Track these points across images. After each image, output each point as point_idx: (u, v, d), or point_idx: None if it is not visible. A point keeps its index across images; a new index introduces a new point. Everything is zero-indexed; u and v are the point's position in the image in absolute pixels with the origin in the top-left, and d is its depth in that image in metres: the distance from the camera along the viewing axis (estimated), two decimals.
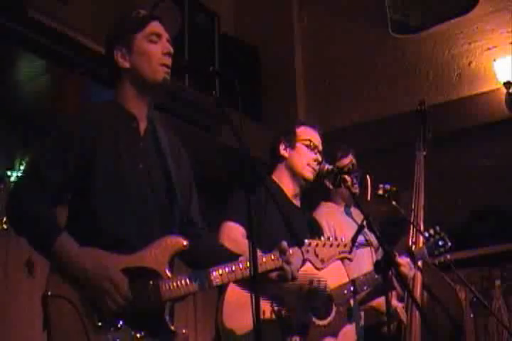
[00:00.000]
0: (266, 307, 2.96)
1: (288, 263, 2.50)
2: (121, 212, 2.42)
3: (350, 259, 2.73)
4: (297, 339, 2.98)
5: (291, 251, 2.53)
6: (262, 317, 2.86)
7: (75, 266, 2.30)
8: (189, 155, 2.72)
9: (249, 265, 2.31)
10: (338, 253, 2.62)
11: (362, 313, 3.49)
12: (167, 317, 2.35)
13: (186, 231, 2.56)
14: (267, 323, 2.93)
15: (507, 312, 6.07)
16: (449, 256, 3.60)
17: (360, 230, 2.94)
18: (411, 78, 6.18)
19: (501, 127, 5.64)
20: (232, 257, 2.54)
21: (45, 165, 2.41)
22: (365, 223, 3.03)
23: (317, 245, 2.59)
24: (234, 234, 3.06)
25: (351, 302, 3.22)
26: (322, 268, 2.62)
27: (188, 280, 2.39)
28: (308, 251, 2.56)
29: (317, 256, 2.58)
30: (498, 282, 6.21)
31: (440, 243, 3.59)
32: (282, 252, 2.51)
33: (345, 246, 2.65)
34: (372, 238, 3.65)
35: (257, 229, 3.04)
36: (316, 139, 3.49)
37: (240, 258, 2.52)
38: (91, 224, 2.39)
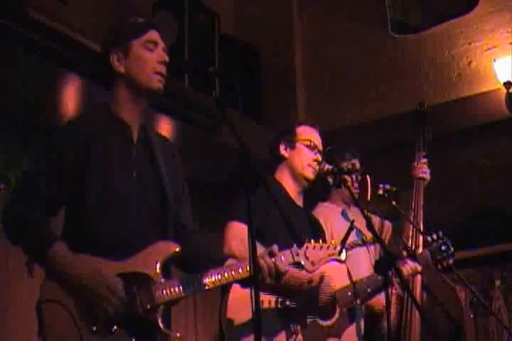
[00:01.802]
0: (270, 297, 2.96)
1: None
2: (115, 219, 2.43)
3: (340, 261, 2.74)
4: (301, 338, 2.99)
5: (282, 256, 2.54)
6: (267, 305, 2.91)
7: (70, 273, 2.31)
8: (189, 155, 2.72)
9: (249, 265, 2.32)
10: (328, 256, 2.64)
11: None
12: (160, 321, 2.35)
13: (177, 234, 2.57)
14: (270, 318, 2.94)
15: (507, 312, 6.07)
16: (452, 261, 3.60)
17: (349, 232, 2.96)
18: (411, 78, 6.17)
19: (501, 127, 5.63)
20: (222, 261, 2.56)
21: (39, 177, 2.43)
22: (354, 224, 3.05)
23: (307, 248, 2.60)
24: (239, 234, 3.06)
25: (354, 303, 3.23)
26: (313, 271, 2.63)
27: (180, 285, 2.40)
28: (298, 254, 2.57)
29: (307, 258, 2.59)
30: (498, 282, 6.21)
31: (443, 248, 3.60)
32: (271, 254, 2.52)
33: (335, 247, 2.66)
34: (368, 235, 3.67)
35: (261, 229, 3.05)
36: (316, 139, 3.49)
37: (233, 261, 2.53)
38: (86, 232, 2.41)
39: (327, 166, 3.40)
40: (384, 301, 3.05)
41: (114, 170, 2.48)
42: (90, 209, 2.42)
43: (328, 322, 3.10)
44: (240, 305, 2.92)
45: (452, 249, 3.60)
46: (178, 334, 2.37)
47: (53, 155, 2.46)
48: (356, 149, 3.88)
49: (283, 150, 3.47)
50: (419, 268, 3.51)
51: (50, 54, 4.63)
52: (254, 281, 2.27)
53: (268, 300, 2.97)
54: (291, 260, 2.55)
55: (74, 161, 2.45)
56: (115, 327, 2.30)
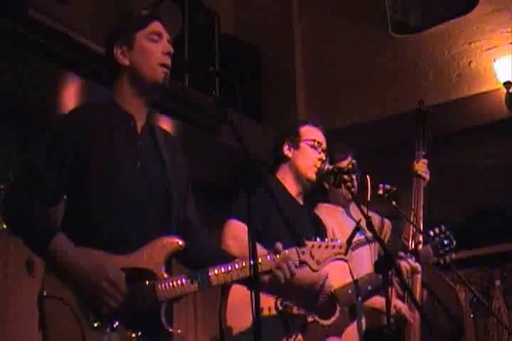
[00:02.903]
0: (270, 304, 2.96)
1: (279, 267, 2.50)
2: (118, 211, 2.41)
3: (345, 261, 2.73)
4: (301, 339, 2.99)
5: (287, 253, 2.54)
6: (267, 313, 2.90)
7: (72, 266, 2.29)
8: (189, 155, 2.72)
9: (249, 265, 2.32)
10: (333, 255, 2.63)
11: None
12: (163, 318, 2.35)
13: (182, 230, 2.56)
14: (270, 319, 2.94)
15: (507, 312, 6.07)
16: (454, 255, 3.59)
17: (355, 232, 2.95)
18: (411, 78, 6.18)
19: (501, 127, 5.64)
20: (227, 258, 2.55)
21: (40, 166, 2.41)
22: (360, 224, 3.04)
23: (313, 246, 2.59)
24: (238, 233, 3.06)
25: (355, 301, 3.22)
26: (318, 270, 2.62)
27: (184, 281, 2.39)
28: (304, 253, 2.56)
29: (313, 257, 2.58)
30: (498, 282, 6.22)
31: (445, 242, 3.59)
32: (276, 252, 2.52)
33: (340, 247, 2.65)
34: (369, 235, 3.67)
35: (262, 228, 3.05)
36: (320, 138, 3.49)
37: (237, 259, 2.53)
38: (88, 224, 2.39)
39: (327, 166, 3.40)
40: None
41: (118, 159, 2.46)
42: (91, 203, 2.40)
43: (329, 321, 3.10)
44: (239, 307, 2.92)
45: (455, 242, 3.59)
46: (179, 331, 2.37)
47: (54, 144, 2.44)
48: (346, 148, 3.86)
49: (287, 151, 3.47)
50: (419, 268, 3.50)
51: (50, 54, 4.63)
52: (254, 282, 2.27)
53: (268, 307, 2.96)
54: (297, 259, 2.55)
55: (75, 150, 2.42)
56: (117, 323, 2.29)
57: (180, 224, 2.58)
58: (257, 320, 2.18)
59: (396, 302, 3.50)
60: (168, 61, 2.54)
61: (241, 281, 2.50)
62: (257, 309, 2.18)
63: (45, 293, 2.31)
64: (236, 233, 3.07)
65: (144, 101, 2.58)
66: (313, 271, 2.61)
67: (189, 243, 2.46)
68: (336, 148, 3.76)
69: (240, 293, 2.90)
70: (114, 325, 2.29)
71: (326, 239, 2.65)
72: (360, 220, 3.08)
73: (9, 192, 2.46)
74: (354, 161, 3.79)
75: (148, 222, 2.46)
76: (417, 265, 3.49)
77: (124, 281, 2.31)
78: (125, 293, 2.29)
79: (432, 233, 3.62)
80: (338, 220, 3.70)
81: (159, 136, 2.61)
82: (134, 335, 2.31)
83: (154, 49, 2.54)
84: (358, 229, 2.95)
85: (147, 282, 2.35)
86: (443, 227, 3.63)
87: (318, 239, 2.62)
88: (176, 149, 2.68)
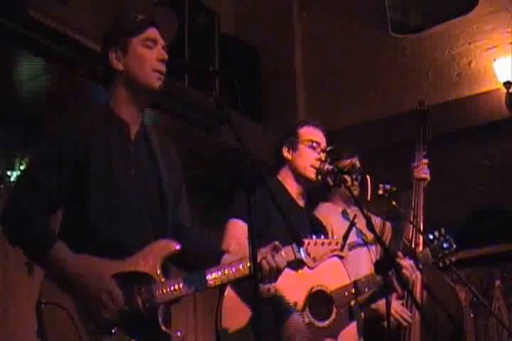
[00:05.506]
0: None
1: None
2: (114, 217, 2.43)
3: (342, 257, 2.74)
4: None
5: (283, 252, 2.54)
6: None
7: (71, 276, 2.30)
8: (189, 155, 2.73)
9: (249, 265, 2.32)
10: (329, 251, 2.64)
11: (362, 314, 3.49)
12: (161, 321, 2.35)
13: (176, 233, 2.57)
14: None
15: (507, 312, 6.07)
16: (453, 259, 3.59)
17: (351, 227, 2.95)
18: (411, 78, 6.18)
19: (501, 127, 5.64)
20: (219, 253, 2.57)
21: (39, 175, 2.42)
22: (356, 220, 3.04)
23: (309, 244, 2.61)
24: (238, 232, 3.07)
25: (352, 303, 3.22)
26: (314, 267, 2.63)
27: (181, 284, 2.40)
28: (300, 250, 2.57)
29: (309, 254, 2.59)
30: (498, 282, 6.22)
31: (445, 245, 3.58)
32: (275, 250, 2.52)
33: (336, 243, 2.66)
34: (368, 235, 3.66)
35: (262, 228, 3.05)
36: (320, 138, 3.49)
37: (231, 257, 2.53)
38: (85, 230, 2.41)
39: (327, 166, 3.40)
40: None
41: (113, 168, 2.47)
42: (90, 208, 2.41)
43: (324, 323, 3.10)
44: (234, 311, 2.92)
45: (454, 246, 3.58)
46: (178, 334, 2.37)
47: (53, 153, 2.45)
48: (353, 148, 3.87)
49: (286, 153, 3.48)
50: (414, 267, 3.49)
51: (50, 54, 4.63)
52: (254, 280, 2.27)
53: None
54: (293, 256, 2.56)
55: (74, 159, 2.44)
56: (115, 328, 2.30)
57: (174, 227, 2.59)
58: (257, 321, 2.19)
59: (393, 303, 3.50)
60: (162, 68, 2.55)
61: (238, 280, 2.51)
62: (257, 309, 2.18)
63: (43, 300, 2.31)
64: (236, 234, 3.08)
65: (139, 107, 2.59)
66: (310, 268, 2.62)
67: (183, 245, 2.46)
68: (343, 146, 3.76)
69: (234, 298, 2.91)
70: (113, 331, 2.30)
71: (322, 236, 2.66)
72: (355, 216, 3.08)
73: (8, 201, 2.46)
74: (356, 161, 3.79)
75: (144, 226, 2.47)
76: (412, 263, 3.47)
77: (122, 293, 2.31)
78: (122, 306, 2.30)
79: (431, 236, 3.61)
80: (336, 220, 3.70)
81: (154, 139, 2.62)
82: (132, 340, 2.32)
83: (148, 55, 2.54)
84: (353, 224, 2.95)
85: (144, 286, 2.35)
86: (443, 230, 3.63)
87: (314, 237, 2.64)
88: (170, 151, 2.69)
